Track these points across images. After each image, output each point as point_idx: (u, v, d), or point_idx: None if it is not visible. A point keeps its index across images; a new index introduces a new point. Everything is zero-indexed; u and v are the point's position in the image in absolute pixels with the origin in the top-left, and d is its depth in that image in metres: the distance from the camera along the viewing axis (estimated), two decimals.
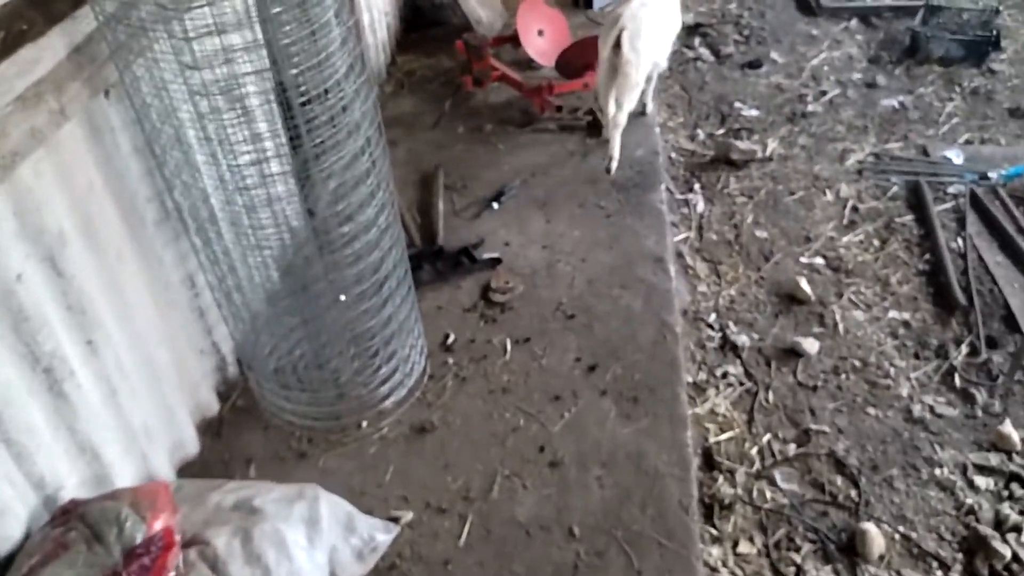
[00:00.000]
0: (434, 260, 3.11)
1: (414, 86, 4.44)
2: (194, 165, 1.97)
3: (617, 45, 3.26)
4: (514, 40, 4.48)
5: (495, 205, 3.44)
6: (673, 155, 3.98)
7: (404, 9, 4.99)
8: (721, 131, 4.16)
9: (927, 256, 3.26)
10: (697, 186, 3.76)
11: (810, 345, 2.87)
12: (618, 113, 3.40)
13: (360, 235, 2.15)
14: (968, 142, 3.97)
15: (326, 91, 1.92)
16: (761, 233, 3.46)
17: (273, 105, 1.96)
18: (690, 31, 5.11)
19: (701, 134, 4.14)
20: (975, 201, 3.51)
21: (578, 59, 4.24)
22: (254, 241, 2.09)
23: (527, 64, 4.52)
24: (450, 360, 2.67)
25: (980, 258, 3.22)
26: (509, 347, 2.71)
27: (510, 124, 4.02)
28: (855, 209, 3.57)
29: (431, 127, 4.05)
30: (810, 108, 4.29)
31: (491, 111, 4.14)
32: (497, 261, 3.12)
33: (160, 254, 2.20)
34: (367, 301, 2.27)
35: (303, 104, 1.91)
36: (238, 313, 2.29)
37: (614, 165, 3.50)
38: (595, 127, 3.91)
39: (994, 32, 4.63)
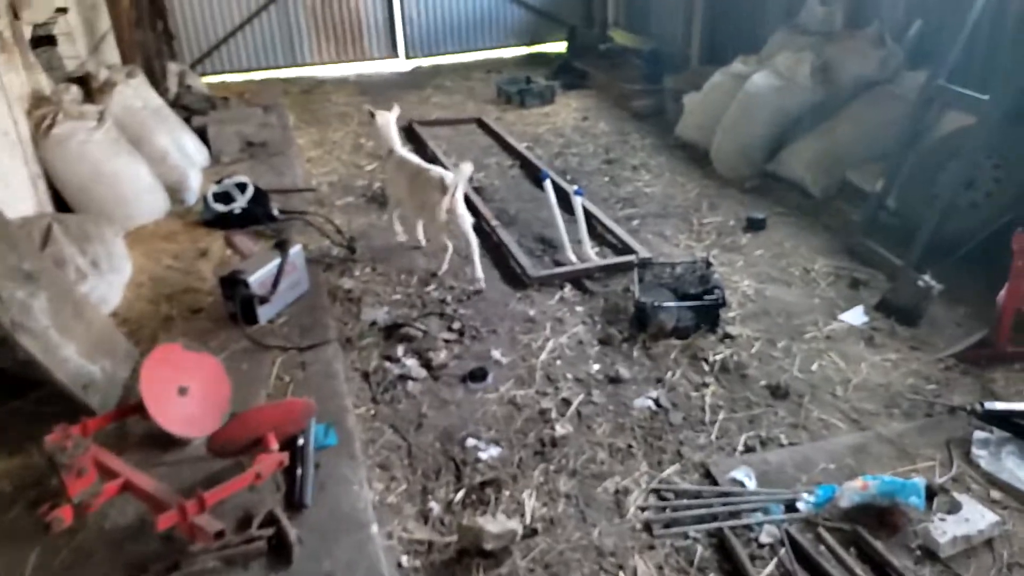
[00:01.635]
0: None
1: None
2: None
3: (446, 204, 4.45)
4: (143, 410, 3.09)
5: None
6: (405, 559, 2.76)
7: None
8: (460, 494, 3.05)
9: None
10: None
11: None
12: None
13: None
14: (749, 448, 3.28)
15: None
16: None
17: None
18: (388, 334, 4.10)
19: (435, 507, 2.99)
20: (798, 552, 2.72)
21: (242, 433, 2.95)
22: None
23: (170, 441, 3.13)
24: None
25: None
26: None
27: (143, 572, 2.55)
28: None
29: None
30: (559, 430, 3.38)
31: (109, 549, 2.63)
32: None
33: None
34: None
35: None
36: None
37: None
38: (283, 550, 2.59)
39: (718, 290, 4.22)
